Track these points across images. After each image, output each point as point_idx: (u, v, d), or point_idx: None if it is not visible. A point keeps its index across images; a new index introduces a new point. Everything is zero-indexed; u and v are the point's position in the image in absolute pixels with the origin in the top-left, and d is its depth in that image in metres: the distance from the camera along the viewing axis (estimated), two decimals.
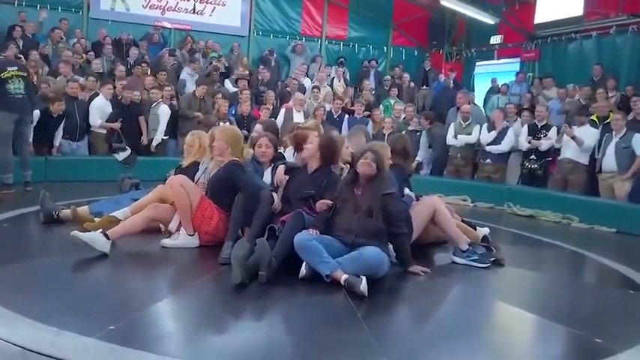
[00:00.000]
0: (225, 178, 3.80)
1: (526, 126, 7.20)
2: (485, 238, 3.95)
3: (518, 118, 7.64)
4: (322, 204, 3.47)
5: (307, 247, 3.13)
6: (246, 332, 2.55)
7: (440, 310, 3.16)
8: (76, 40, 9.62)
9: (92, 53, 9.25)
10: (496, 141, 7.22)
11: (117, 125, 7.25)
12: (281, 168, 3.94)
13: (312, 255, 3.12)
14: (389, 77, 10.90)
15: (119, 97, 7.52)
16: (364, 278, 2.97)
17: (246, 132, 6.62)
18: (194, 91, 8.21)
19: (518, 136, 7.21)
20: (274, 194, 3.78)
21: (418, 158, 7.73)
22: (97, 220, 3.94)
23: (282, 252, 3.20)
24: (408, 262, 3.44)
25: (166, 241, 3.75)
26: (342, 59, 11.82)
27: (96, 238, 3.36)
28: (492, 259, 3.77)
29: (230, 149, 3.90)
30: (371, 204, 3.31)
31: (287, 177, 3.88)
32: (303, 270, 3.15)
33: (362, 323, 2.59)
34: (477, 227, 4.29)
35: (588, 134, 6.61)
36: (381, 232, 3.32)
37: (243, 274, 2.94)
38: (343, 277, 3.01)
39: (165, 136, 7.78)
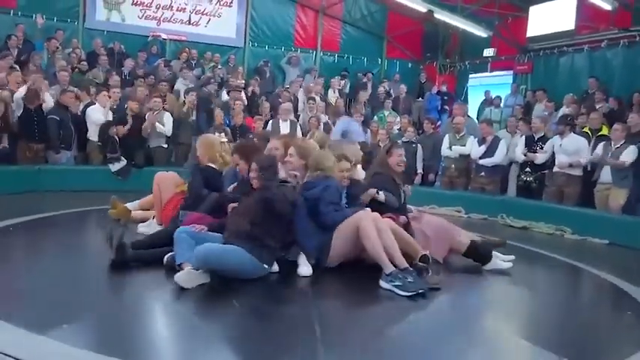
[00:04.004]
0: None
1: (523, 137, 7.25)
2: (424, 258, 3.55)
3: (518, 131, 7.70)
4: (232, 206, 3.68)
5: (177, 238, 3.33)
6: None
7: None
8: (71, 49, 9.63)
9: (85, 63, 9.25)
10: (487, 154, 7.27)
11: (124, 129, 7.20)
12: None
13: (178, 246, 3.30)
14: (382, 89, 10.97)
15: (123, 108, 7.48)
16: (202, 278, 3.08)
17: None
18: (184, 101, 8.20)
19: (515, 147, 7.26)
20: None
21: (418, 170, 7.80)
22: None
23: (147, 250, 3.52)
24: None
25: (142, 229, 4.39)
26: (346, 72, 11.89)
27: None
28: (421, 287, 3.21)
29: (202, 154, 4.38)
30: (248, 207, 3.40)
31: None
32: (165, 259, 3.37)
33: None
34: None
35: (574, 143, 6.66)
36: (247, 234, 3.28)
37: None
38: (187, 268, 3.14)
39: (165, 144, 7.77)
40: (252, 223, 3.30)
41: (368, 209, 3.72)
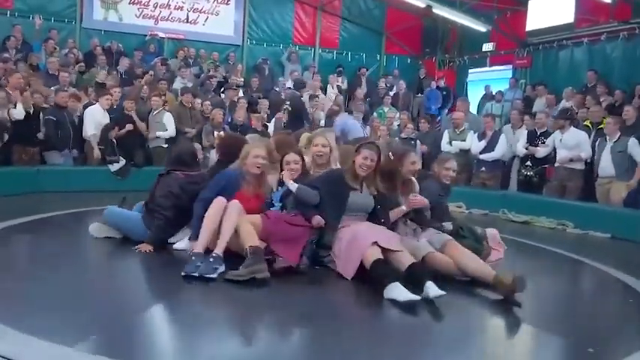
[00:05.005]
0: None
1: (525, 132, 7.23)
2: (246, 251, 3.30)
3: (523, 125, 7.69)
4: None
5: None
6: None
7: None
8: (68, 50, 9.60)
9: (83, 64, 9.22)
10: (488, 148, 7.24)
11: (123, 131, 7.21)
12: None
13: None
14: (383, 84, 10.95)
15: (121, 107, 7.46)
16: (111, 232, 4.01)
17: None
18: (181, 100, 8.16)
19: (517, 141, 7.24)
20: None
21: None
22: None
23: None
24: (150, 238, 3.78)
25: None
26: (341, 68, 11.85)
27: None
28: (203, 272, 3.18)
29: None
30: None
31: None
32: None
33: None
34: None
35: (574, 137, 6.64)
36: (146, 206, 3.98)
37: None
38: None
39: (165, 144, 7.75)
40: (150, 200, 3.94)
41: (231, 200, 3.62)
